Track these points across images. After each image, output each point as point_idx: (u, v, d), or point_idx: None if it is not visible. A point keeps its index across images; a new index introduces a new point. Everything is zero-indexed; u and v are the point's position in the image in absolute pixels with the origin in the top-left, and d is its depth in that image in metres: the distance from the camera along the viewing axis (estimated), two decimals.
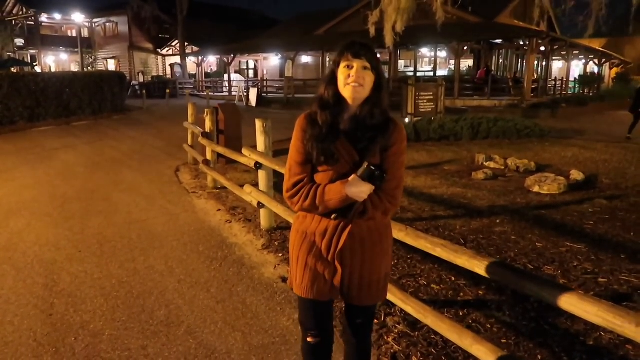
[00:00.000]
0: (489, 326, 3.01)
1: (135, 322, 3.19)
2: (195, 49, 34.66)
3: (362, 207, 1.74)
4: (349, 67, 1.71)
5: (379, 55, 1.82)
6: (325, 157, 1.73)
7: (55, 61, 39.52)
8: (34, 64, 36.44)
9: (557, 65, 31.20)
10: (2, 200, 6.41)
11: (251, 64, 36.60)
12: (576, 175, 7.06)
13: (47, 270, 4.07)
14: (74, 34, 38.88)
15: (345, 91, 1.72)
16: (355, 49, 1.72)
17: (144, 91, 25.54)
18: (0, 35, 35.45)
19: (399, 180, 1.79)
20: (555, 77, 26.49)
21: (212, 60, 37.00)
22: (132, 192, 6.83)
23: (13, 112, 14.69)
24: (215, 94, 29.38)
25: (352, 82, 1.69)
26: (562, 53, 26.23)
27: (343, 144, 1.74)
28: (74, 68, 37.63)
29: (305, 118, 1.82)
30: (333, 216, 1.79)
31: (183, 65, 34.63)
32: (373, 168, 1.66)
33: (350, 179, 1.69)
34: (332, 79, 1.76)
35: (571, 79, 28.96)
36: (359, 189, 1.68)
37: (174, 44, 36.62)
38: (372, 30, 7.39)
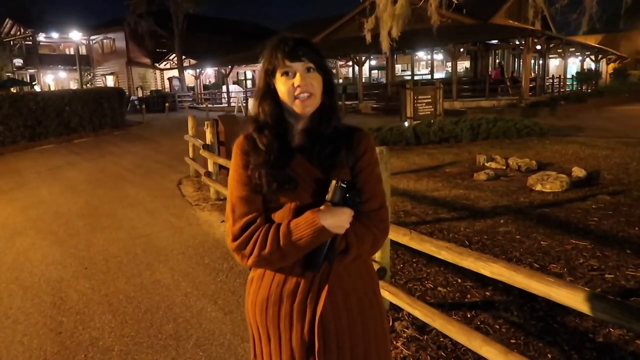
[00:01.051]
0: (497, 327, 3.01)
1: (144, 337, 3.20)
2: (193, 61, 34.86)
3: (343, 244, 1.31)
4: (289, 75, 1.33)
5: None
6: (278, 183, 1.32)
7: (54, 79, 39.75)
8: (33, 83, 36.67)
9: (554, 63, 31.26)
10: (7, 220, 6.44)
11: (249, 74, 36.77)
12: (578, 172, 7.06)
13: (54, 289, 4.08)
14: (72, 52, 39.12)
15: (296, 106, 1.34)
16: (290, 48, 1.32)
17: (144, 106, 25.68)
18: None
19: (380, 196, 1.40)
20: (553, 75, 26.56)
21: (209, 72, 37.21)
22: (136, 207, 6.85)
23: (14, 132, 14.77)
24: (214, 105, 29.52)
25: (299, 93, 1.32)
26: (559, 51, 26.30)
27: (300, 163, 1.35)
28: (73, 85, 37.82)
29: (245, 139, 1.40)
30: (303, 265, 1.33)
31: (181, 79, 34.81)
32: (345, 185, 1.28)
33: (322, 207, 1.28)
34: (268, 93, 1.38)
35: (568, 76, 29.04)
36: (337, 218, 1.27)
37: (171, 57, 36.84)
38: (369, 37, 7.45)
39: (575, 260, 3.95)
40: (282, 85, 1.34)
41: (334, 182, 1.29)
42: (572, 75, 29.57)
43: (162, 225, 5.88)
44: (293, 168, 1.34)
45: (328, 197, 1.29)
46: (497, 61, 25.60)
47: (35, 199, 7.74)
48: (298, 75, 1.32)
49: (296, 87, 1.32)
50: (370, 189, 1.37)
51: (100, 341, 3.17)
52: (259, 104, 1.39)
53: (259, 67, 1.39)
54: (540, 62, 24.11)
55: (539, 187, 6.41)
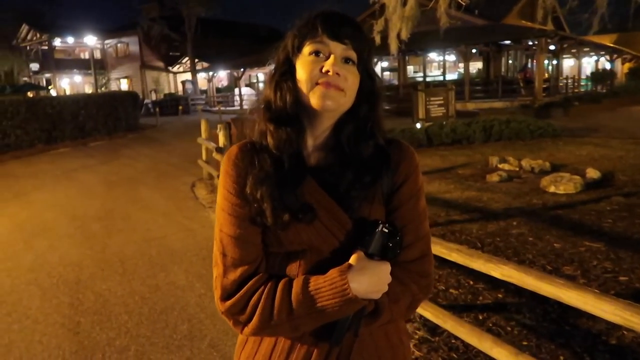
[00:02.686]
0: (509, 329, 3.01)
1: (159, 337, 3.26)
2: (206, 65, 35.16)
3: (371, 305, 0.96)
4: (319, 56, 0.97)
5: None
6: (292, 213, 0.94)
7: (69, 83, 40.34)
8: (49, 87, 37.27)
9: (568, 64, 30.96)
10: (25, 223, 6.57)
11: (261, 77, 36.96)
12: (592, 173, 7.00)
13: (71, 290, 4.17)
14: (87, 56, 39.69)
15: (313, 95, 0.95)
16: (334, 23, 0.98)
17: (157, 109, 25.93)
18: (15, 61, 36.41)
19: (425, 241, 1.03)
20: (567, 76, 26.29)
21: (222, 75, 37.48)
22: (150, 210, 6.94)
23: (31, 136, 15.02)
24: (227, 108, 29.71)
25: (324, 81, 0.95)
26: (573, 51, 26.04)
27: (312, 191, 0.97)
28: (88, 89, 38.37)
29: (240, 151, 1.03)
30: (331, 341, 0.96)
31: (194, 82, 35.13)
32: (387, 230, 0.93)
33: (354, 260, 0.92)
34: (288, 71, 1.00)
35: (583, 76, 28.72)
36: (375, 278, 0.92)
37: (184, 61, 37.19)
38: (378, 39, 7.47)
39: (588, 263, 3.93)
40: (304, 67, 0.97)
41: (380, 225, 0.93)
42: (587, 76, 29.23)
43: (176, 227, 5.96)
44: (303, 194, 0.96)
45: (370, 245, 0.93)
46: (525, 62, 25.33)
47: (52, 201, 7.88)
48: (332, 58, 0.96)
49: (324, 71, 0.95)
50: (411, 231, 1.00)
51: (116, 341, 3.24)
52: (275, 86, 1.00)
53: (276, 55, 1.05)
54: (554, 62, 23.89)
55: (552, 189, 6.37)
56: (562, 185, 6.34)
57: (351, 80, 0.97)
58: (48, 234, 5.98)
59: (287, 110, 0.98)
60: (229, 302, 0.96)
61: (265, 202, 0.95)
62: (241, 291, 0.96)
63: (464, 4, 5.60)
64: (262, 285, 0.96)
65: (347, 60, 0.98)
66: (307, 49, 0.98)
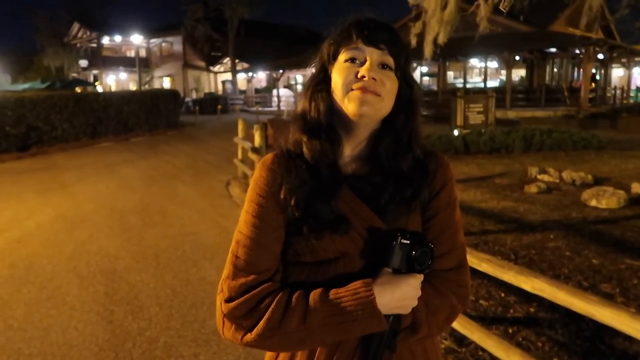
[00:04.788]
0: (540, 344, 2.93)
1: (188, 331, 3.33)
2: (245, 65, 35.73)
3: (409, 319, 0.93)
4: (355, 62, 0.95)
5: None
6: (323, 225, 0.92)
7: (115, 80, 41.79)
8: (95, 83, 38.70)
9: (617, 73, 29.81)
10: (68, 213, 6.84)
11: (299, 79, 37.24)
12: (638, 188, 6.71)
13: (107, 279, 4.32)
14: (132, 54, 41.01)
15: (349, 102, 0.93)
16: (370, 29, 0.96)
17: (197, 107, 26.53)
18: (66, 57, 38.06)
19: (461, 251, 1.02)
20: (615, 86, 25.32)
21: (261, 76, 37.97)
22: (185, 206, 7.11)
23: (77, 130, 15.63)
24: (265, 108, 30.08)
25: (360, 86, 0.92)
26: (623, 60, 25.08)
27: (348, 200, 0.95)
28: (132, 86, 39.64)
29: (276, 157, 1.02)
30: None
31: (233, 82, 35.76)
32: (408, 241, 0.89)
33: (381, 277, 0.90)
34: (322, 83, 1.00)
35: (633, 87, 27.58)
36: (400, 292, 0.89)
37: (225, 61, 37.90)
38: (414, 42, 7.38)
39: (628, 281, 3.78)
40: (339, 73, 0.95)
41: (399, 237, 0.89)
42: (637, 87, 28.05)
43: (209, 224, 6.08)
44: (338, 206, 0.94)
45: (392, 262, 0.89)
46: (593, 72, 24.55)
47: (93, 193, 8.18)
48: (368, 62, 0.93)
49: (360, 76, 0.92)
50: (447, 239, 0.98)
51: (147, 332, 3.33)
52: (310, 96, 0.99)
53: (309, 71, 1.05)
54: (602, 71, 23.06)
55: (593, 203, 6.15)
56: (604, 200, 6.11)
57: (389, 85, 0.95)
58: (88, 224, 6.21)
59: (321, 120, 0.96)
60: (234, 303, 0.91)
61: (299, 211, 0.92)
62: (249, 294, 0.90)
63: (504, 10, 5.47)
64: (274, 292, 0.91)
65: (384, 65, 0.95)
66: (342, 56, 0.96)
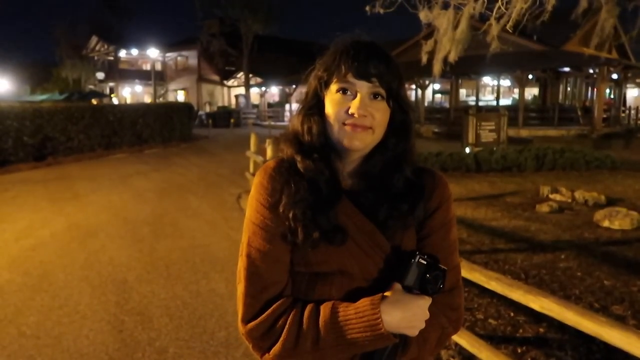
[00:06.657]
0: None
1: (197, 342, 3.35)
2: (259, 80, 36.10)
3: (398, 338, 0.92)
4: (346, 94, 0.97)
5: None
6: (322, 232, 0.93)
7: (130, 93, 42.44)
8: (112, 95, 39.34)
9: (631, 94, 29.62)
10: (82, 223, 6.94)
11: None
12: None
13: (118, 289, 4.37)
14: (148, 68, 41.70)
15: (342, 134, 0.96)
16: (360, 60, 0.96)
17: (210, 120, 26.79)
18: (84, 69, 38.81)
19: (456, 272, 1.03)
20: (630, 106, 25.15)
21: (274, 91, 38.33)
22: (197, 218, 7.17)
23: (92, 141, 15.87)
24: (277, 123, 30.28)
25: (351, 123, 0.95)
26: (637, 81, 24.95)
27: (348, 212, 0.97)
28: (147, 99, 40.19)
29: (277, 166, 1.03)
30: None
31: (247, 96, 36.11)
32: (425, 262, 0.91)
33: (390, 291, 0.91)
34: (317, 107, 1.02)
35: None
36: (411, 313, 0.89)
37: (238, 75, 38.33)
38: (424, 59, 7.42)
39: None
40: (332, 105, 0.97)
41: (417, 256, 0.91)
42: None
43: (220, 236, 6.13)
44: (337, 215, 0.95)
45: (407, 279, 0.90)
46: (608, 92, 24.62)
47: (107, 204, 8.29)
48: (358, 98, 0.95)
49: (350, 113, 0.95)
50: (441, 261, 0.95)
51: (157, 342, 3.36)
52: (303, 119, 1.02)
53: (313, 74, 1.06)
54: (616, 91, 22.94)
55: (606, 224, 6.09)
56: (617, 220, 6.06)
57: (379, 117, 0.96)
58: (101, 234, 6.29)
59: (314, 143, 0.99)
60: (251, 325, 0.95)
61: (297, 221, 0.94)
62: (265, 314, 0.93)
63: (509, 30, 5.49)
64: (288, 309, 0.93)
65: (375, 95, 0.96)
66: (334, 86, 0.98)
